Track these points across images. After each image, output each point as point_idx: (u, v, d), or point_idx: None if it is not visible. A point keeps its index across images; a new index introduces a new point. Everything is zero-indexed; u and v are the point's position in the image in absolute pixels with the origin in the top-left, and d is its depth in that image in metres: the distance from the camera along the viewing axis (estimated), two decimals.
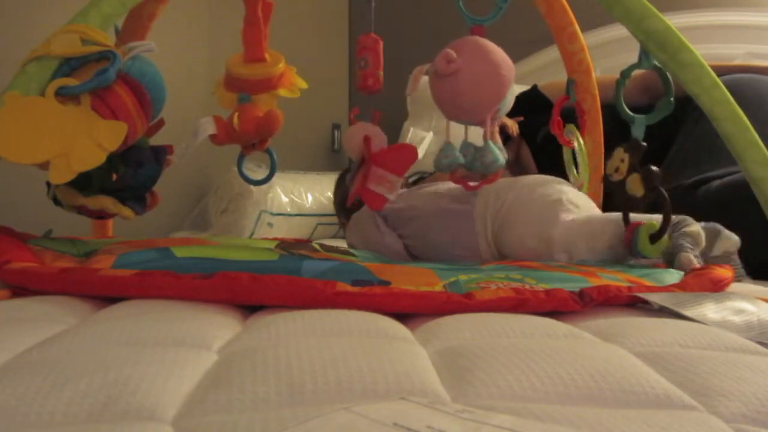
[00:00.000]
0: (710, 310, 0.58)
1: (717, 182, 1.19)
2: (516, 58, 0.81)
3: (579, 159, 1.05)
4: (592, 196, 1.03)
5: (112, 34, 0.86)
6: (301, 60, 0.97)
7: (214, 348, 0.46)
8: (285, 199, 1.82)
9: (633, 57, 0.80)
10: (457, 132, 0.81)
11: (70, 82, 0.71)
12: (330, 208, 1.89)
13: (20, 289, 0.63)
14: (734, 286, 0.74)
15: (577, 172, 1.06)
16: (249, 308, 0.60)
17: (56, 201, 0.88)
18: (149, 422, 0.33)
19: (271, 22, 0.90)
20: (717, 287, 0.70)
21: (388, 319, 0.53)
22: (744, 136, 0.72)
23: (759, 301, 0.62)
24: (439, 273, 0.69)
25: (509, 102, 0.80)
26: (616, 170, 0.82)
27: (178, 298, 0.59)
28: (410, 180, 1.31)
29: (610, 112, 0.91)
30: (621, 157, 0.81)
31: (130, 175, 0.87)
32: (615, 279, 0.69)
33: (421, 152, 1.89)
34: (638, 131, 0.80)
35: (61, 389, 0.35)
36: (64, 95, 0.71)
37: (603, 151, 1.12)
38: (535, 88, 1.56)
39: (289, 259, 0.74)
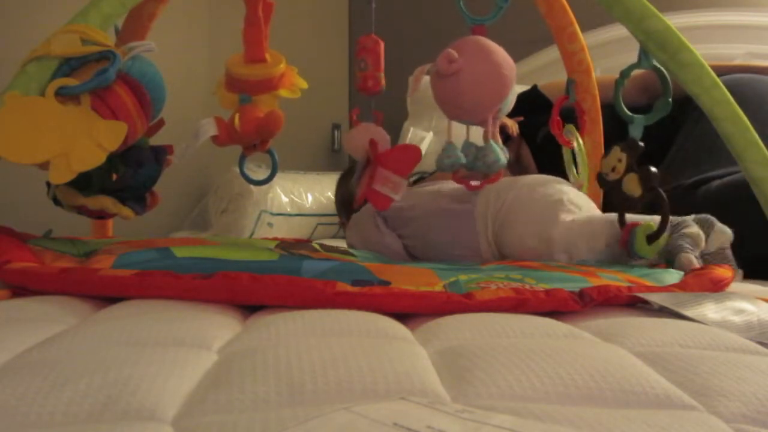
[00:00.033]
0: (710, 310, 0.58)
1: (717, 182, 1.19)
2: (516, 58, 0.81)
3: (578, 159, 1.05)
4: (592, 196, 1.03)
5: (112, 34, 0.86)
6: (301, 60, 0.97)
7: (214, 348, 0.46)
8: (285, 199, 1.82)
9: (633, 57, 0.80)
10: (458, 132, 0.81)
11: (70, 82, 0.71)
12: (330, 208, 1.89)
13: (20, 289, 0.63)
14: (734, 286, 0.74)
15: (577, 173, 1.06)
16: (249, 308, 0.60)
17: (56, 201, 0.88)
18: (149, 422, 0.33)
19: (271, 23, 0.90)
20: (717, 287, 0.70)
21: (388, 319, 0.53)
22: (744, 136, 0.72)
23: (759, 301, 0.62)
24: (439, 273, 0.69)
25: (511, 102, 0.80)
26: (613, 169, 0.81)
27: (178, 298, 0.59)
28: (411, 180, 1.31)
29: (610, 112, 0.91)
30: (618, 156, 0.81)
31: (130, 175, 0.87)
32: (615, 279, 0.69)
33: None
34: (637, 131, 0.80)
35: (61, 389, 0.35)
36: (64, 95, 0.71)
37: (603, 151, 1.12)
38: (535, 88, 1.56)
39: (289, 259, 0.74)
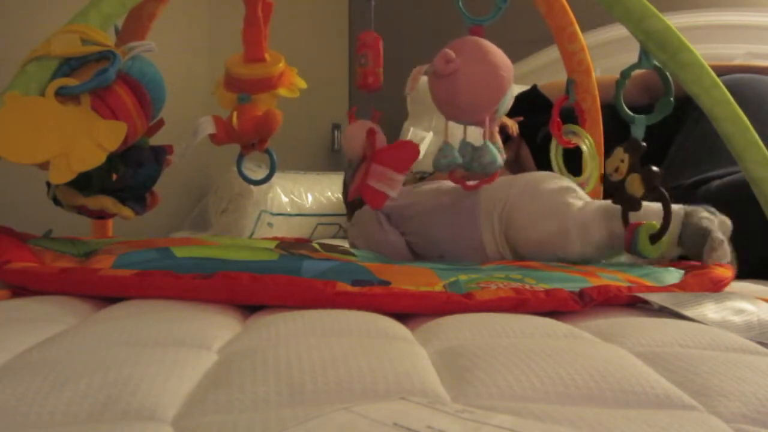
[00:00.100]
0: (710, 310, 0.58)
1: (717, 182, 1.19)
2: (516, 58, 0.81)
3: (587, 158, 1.05)
4: (592, 195, 1.03)
5: (112, 34, 0.86)
6: (301, 60, 0.97)
7: (214, 348, 0.46)
8: (285, 199, 1.82)
9: (633, 57, 0.80)
10: (457, 132, 0.81)
11: (70, 82, 0.71)
12: (330, 208, 1.89)
13: (20, 289, 0.63)
14: (734, 286, 0.74)
15: (581, 173, 1.06)
16: (249, 308, 0.60)
17: (56, 201, 0.88)
18: (149, 422, 0.33)
19: (271, 22, 0.90)
20: (717, 287, 0.70)
21: (388, 319, 0.53)
22: (744, 136, 0.73)
23: (759, 301, 0.62)
24: (439, 273, 0.69)
25: (508, 102, 0.79)
26: (616, 170, 0.82)
27: (178, 298, 0.59)
28: (417, 177, 1.31)
29: (610, 112, 0.91)
30: (621, 157, 0.81)
31: (130, 175, 0.87)
32: (615, 279, 0.69)
33: (421, 152, 1.89)
34: (638, 131, 0.80)
35: (61, 389, 0.35)
36: (64, 95, 0.71)
37: (603, 151, 1.12)
38: (534, 88, 1.56)
39: (289, 259, 0.74)
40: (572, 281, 0.67)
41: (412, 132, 2.02)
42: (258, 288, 0.59)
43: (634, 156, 0.79)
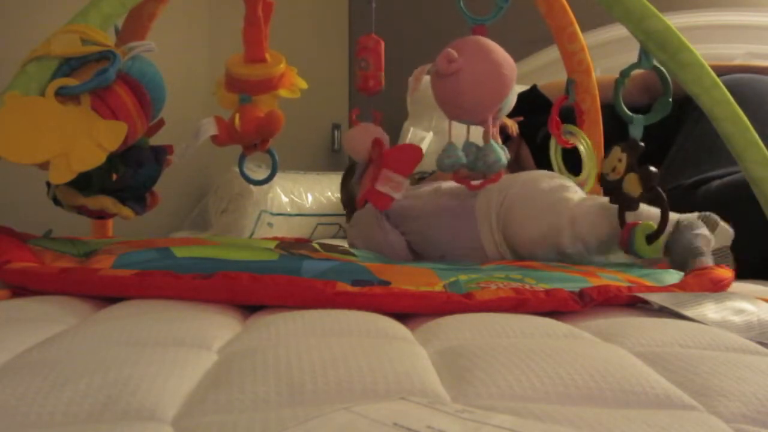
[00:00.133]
0: (710, 310, 0.58)
1: (717, 182, 1.19)
2: (516, 58, 0.81)
3: (585, 159, 1.05)
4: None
5: (112, 34, 0.86)
6: (301, 60, 0.97)
7: (214, 348, 0.46)
8: (285, 199, 1.82)
9: (633, 57, 0.80)
10: (458, 132, 0.81)
11: (70, 82, 0.71)
12: (330, 208, 1.89)
13: (20, 289, 0.63)
14: (734, 286, 0.74)
15: (579, 173, 1.06)
16: (249, 308, 0.60)
17: (56, 201, 0.88)
18: (149, 422, 0.33)
19: (271, 22, 0.90)
20: (717, 287, 0.70)
21: (388, 319, 0.53)
22: (744, 136, 0.72)
23: (759, 301, 0.62)
24: (439, 273, 0.69)
25: (511, 102, 0.79)
26: (614, 169, 0.81)
27: (178, 298, 0.59)
28: (415, 177, 1.31)
29: (610, 112, 0.91)
30: (618, 156, 0.81)
31: (130, 175, 0.87)
32: (615, 279, 0.69)
33: None
34: (637, 131, 0.80)
35: (61, 389, 0.35)
36: (64, 95, 0.71)
37: (603, 151, 1.12)
38: (534, 88, 1.56)
39: (289, 259, 0.74)
40: (572, 281, 0.67)
41: (412, 132, 2.02)
42: (258, 288, 0.59)
43: (631, 155, 0.79)
